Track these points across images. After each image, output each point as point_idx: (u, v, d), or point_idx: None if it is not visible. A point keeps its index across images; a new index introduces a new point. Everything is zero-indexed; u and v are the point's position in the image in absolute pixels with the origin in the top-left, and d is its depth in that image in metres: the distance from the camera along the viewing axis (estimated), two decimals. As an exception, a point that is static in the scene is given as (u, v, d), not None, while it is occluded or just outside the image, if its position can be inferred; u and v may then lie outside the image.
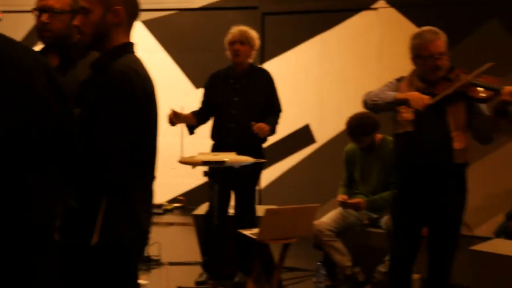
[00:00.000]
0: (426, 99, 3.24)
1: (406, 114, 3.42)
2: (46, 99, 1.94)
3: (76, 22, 2.33)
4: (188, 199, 7.73)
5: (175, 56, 7.81)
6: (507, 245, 4.38)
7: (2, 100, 1.82)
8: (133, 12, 2.38)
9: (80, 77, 2.47)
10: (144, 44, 7.28)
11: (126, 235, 2.25)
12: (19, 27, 7.32)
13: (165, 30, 7.82)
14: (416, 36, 3.48)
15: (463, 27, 6.59)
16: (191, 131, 4.73)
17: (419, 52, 3.44)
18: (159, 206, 7.42)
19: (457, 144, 3.38)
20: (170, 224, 7.04)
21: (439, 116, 3.41)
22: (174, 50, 7.81)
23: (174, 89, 7.29)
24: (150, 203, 2.43)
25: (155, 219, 6.66)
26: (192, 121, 4.65)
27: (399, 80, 3.62)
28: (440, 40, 3.44)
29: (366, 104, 3.58)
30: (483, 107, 3.49)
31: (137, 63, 2.31)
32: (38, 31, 2.90)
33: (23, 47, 1.98)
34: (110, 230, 2.20)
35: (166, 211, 7.62)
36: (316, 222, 4.41)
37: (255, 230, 4.11)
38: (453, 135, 3.38)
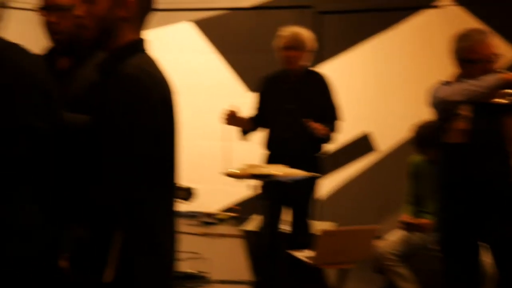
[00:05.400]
0: None
1: (462, 124, 3.09)
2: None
3: (78, 11, 1.96)
4: (243, 209, 7.30)
5: (228, 58, 7.47)
6: None
7: None
8: (146, 7, 2.03)
9: (90, 79, 2.11)
10: (195, 46, 7.06)
11: (147, 270, 1.88)
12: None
13: (216, 31, 7.50)
14: (462, 38, 3.20)
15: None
16: (244, 134, 4.47)
17: (468, 55, 3.15)
18: (210, 215, 6.97)
19: None
20: (222, 235, 6.60)
21: (492, 125, 3.11)
22: (226, 51, 7.47)
23: (225, 92, 6.95)
24: (174, 227, 2.06)
25: (205, 229, 6.29)
26: (248, 127, 4.38)
27: (445, 85, 3.26)
28: (490, 40, 3.15)
29: (451, 102, 3.09)
30: None
31: (151, 64, 1.95)
32: (49, 34, 2.59)
33: (22, 50, 1.81)
34: (128, 264, 1.83)
35: (220, 221, 7.04)
36: (378, 243, 3.96)
37: (309, 253, 3.74)
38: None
